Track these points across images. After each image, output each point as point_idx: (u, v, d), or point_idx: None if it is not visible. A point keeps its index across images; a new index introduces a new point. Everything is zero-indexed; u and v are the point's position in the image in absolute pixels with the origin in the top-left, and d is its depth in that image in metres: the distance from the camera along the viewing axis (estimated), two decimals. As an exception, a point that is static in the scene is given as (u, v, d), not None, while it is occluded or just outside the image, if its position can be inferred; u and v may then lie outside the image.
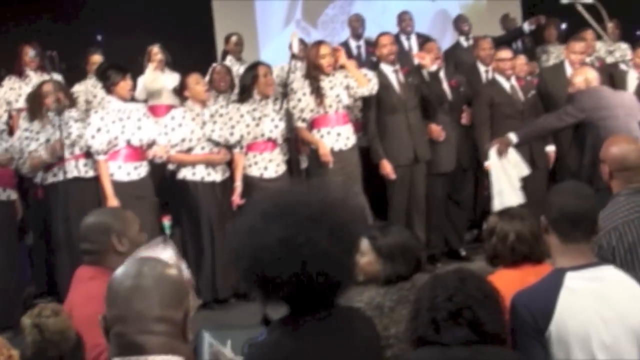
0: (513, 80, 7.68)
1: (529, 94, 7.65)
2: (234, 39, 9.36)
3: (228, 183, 7.05)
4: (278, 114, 7.13)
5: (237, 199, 6.93)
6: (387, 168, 7.35)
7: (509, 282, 3.20)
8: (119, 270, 2.05)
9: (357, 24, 9.89)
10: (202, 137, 6.90)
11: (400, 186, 7.44)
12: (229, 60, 9.07)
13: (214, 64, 8.49)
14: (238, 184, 6.97)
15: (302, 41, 8.33)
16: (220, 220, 6.84)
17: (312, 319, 2.35)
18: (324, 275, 2.27)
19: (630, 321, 2.79)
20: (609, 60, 8.38)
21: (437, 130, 7.60)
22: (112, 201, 6.56)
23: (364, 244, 3.49)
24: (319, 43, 7.45)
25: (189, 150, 6.91)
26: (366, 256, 3.50)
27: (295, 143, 7.47)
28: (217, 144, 6.95)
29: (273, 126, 7.06)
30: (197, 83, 7.02)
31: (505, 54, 7.75)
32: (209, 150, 6.95)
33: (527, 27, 9.36)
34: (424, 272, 3.50)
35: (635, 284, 2.87)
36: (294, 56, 7.52)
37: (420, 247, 3.69)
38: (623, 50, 8.46)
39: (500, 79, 7.66)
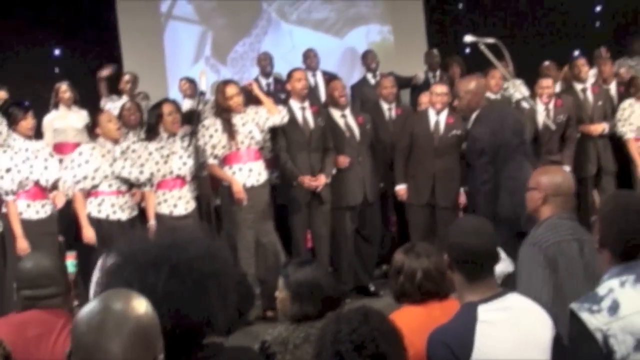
0: (442, 116, 7.73)
1: (450, 133, 7.67)
2: (126, 77, 9.35)
3: (136, 221, 6.96)
4: (186, 151, 7.09)
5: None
6: (306, 182, 7.40)
7: (414, 318, 3.25)
8: (84, 311, 1.96)
9: (265, 62, 9.99)
10: (111, 174, 6.82)
11: (301, 223, 7.51)
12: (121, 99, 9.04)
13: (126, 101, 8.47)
14: (152, 223, 6.90)
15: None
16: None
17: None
18: (175, 318, 2.19)
19: (541, 344, 2.93)
20: (517, 97, 8.62)
21: (343, 159, 7.65)
22: (22, 242, 6.50)
23: (280, 280, 3.52)
24: (226, 84, 7.43)
25: (94, 187, 6.81)
26: (280, 293, 3.53)
27: (210, 180, 7.45)
28: (126, 181, 6.87)
29: (182, 163, 7.00)
30: (109, 121, 6.93)
31: (440, 88, 7.86)
32: (116, 189, 6.87)
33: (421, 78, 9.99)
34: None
35: (537, 307, 3.03)
36: (202, 93, 7.50)
37: (334, 286, 3.65)
38: (517, 86, 8.74)
39: (431, 113, 7.76)
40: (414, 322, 3.07)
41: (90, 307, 1.96)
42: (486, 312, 2.94)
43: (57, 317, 3.38)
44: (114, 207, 6.83)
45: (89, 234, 6.63)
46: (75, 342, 1.94)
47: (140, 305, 1.98)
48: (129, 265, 2.20)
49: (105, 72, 9.57)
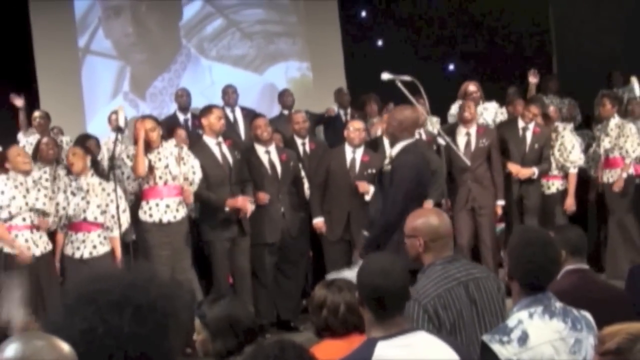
0: (358, 153, 7.84)
1: (365, 171, 7.78)
2: (37, 113, 9.26)
3: (48, 258, 6.88)
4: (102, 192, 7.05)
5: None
6: (239, 201, 7.42)
7: (336, 351, 3.27)
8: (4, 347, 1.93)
9: (183, 98, 10.03)
10: (25, 206, 6.74)
11: (223, 259, 7.51)
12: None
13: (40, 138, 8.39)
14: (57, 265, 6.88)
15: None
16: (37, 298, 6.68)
17: None
18: (134, 358, 2.16)
19: None
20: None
21: (262, 196, 7.68)
22: None
23: (197, 322, 3.49)
24: (143, 118, 7.45)
25: (11, 218, 6.72)
26: (200, 334, 3.49)
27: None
28: (42, 213, 6.80)
29: (90, 203, 6.98)
30: (17, 155, 6.91)
31: (357, 124, 7.96)
32: (30, 222, 6.79)
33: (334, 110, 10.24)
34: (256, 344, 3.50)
35: (445, 346, 3.05)
36: (120, 129, 7.47)
37: (251, 317, 3.64)
38: (434, 123, 8.89)
39: (347, 149, 7.86)
40: (335, 355, 3.09)
41: (10, 343, 1.93)
42: (384, 349, 2.98)
43: None
44: (29, 242, 6.77)
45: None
46: None
47: (64, 345, 1.96)
48: (91, 306, 2.15)
49: (18, 101, 9.47)
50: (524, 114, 8.75)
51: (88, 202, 6.94)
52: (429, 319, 3.54)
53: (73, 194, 6.94)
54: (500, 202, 8.46)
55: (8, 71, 11.27)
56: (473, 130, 8.43)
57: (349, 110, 10.48)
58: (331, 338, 3.55)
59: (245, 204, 7.44)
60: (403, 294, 3.11)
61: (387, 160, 6.27)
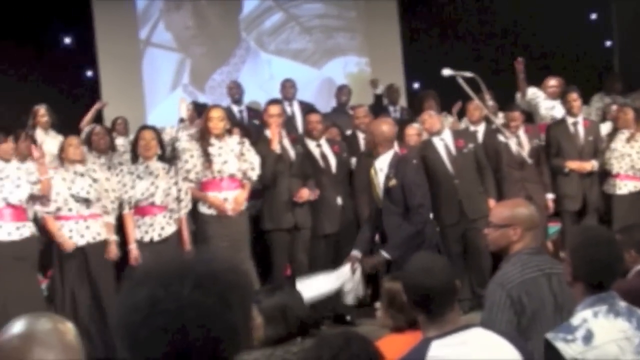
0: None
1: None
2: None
3: (97, 247, 6.97)
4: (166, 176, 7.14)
5: (134, 261, 6.90)
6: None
7: (398, 347, 3.27)
8: (7, 326, 2.00)
9: (234, 91, 10.14)
10: (70, 197, 6.85)
11: (281, 251, 7.54)
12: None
13: (94, 125, 8.52)
14: (133, 247, 6.94)
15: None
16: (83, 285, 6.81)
17: None
18: (196, 329, 2.15)
19: None
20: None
21: (304, 192, 7.68)
22: None
23: (254, 308, 3.53)
24: (212, 107, 7.56)
25: (58, 210, 6.85)
26: (255, 320, 3.54)
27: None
28: (85, 201, 6.88)
29: (159, 188, 7.05)
30: (69, 145, 7.03)
31: (412, 130, 8.04)
32: (75, 213, 6.89)
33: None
34: (310, 336, 3.54)
35: (504, 342, 3.02)
36: (182, 120, 7.54)
37: (305, 309, 3.69)
38: (497, 120, 8.83)
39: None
40: (398, 352, 3.10)
41: (14, 324, 2.00)
42: (438, 348, 2.96)
43: None
44: (72, 232, 6.86)
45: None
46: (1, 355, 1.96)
47: (70, 329, 2.03)
48: (153, 277, 2.18)
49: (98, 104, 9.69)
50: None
51: (157, 187, 7.03)
52: (512, 304, 3.61)
53: (140, 177, 7.02)
54: (550, 196, 8.43)
55: (71, 61, 11.49)
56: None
57: (398, 107, 10.48)
58: (394, 333, 3.57)
59: (307, 194, 7.50)
60: (450, 291, 3.10)
61: (382, 175, 6.27)
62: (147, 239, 7.01)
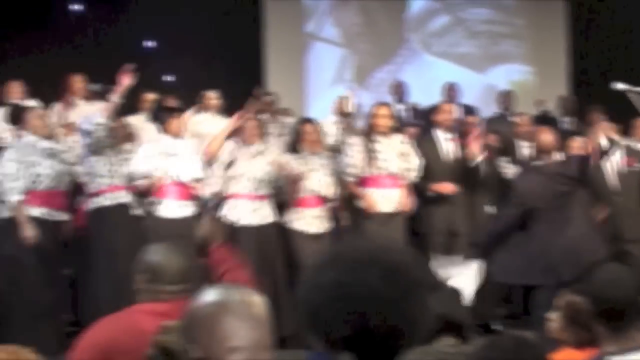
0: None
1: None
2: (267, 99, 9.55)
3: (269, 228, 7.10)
4: (326, 170, 7.22)
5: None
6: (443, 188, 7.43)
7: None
8: (202, 295, 2.08)
9: (399, 89, 10.17)
10: (246, 177, 6.99)
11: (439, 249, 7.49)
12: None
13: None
14: None
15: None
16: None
17: None
18: (378, 317, 2.18)
19: None
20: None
21: (448, 186, 7.54)
22: None
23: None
24: (380, 104, 7.59)
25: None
26: None
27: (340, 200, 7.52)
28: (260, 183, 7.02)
29: (318, 181, 7.15)
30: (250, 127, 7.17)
31: (577, 142, 7.83)
32: (251, 190, 7.02)
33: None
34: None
35: None
36: (346, 114, 7.61)
37: (462, 309, 3.64)
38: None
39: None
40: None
41: (208, 292, 2.07)
42: None
43: None
44: (243, 212, 6.97)
45: None
46: (194, 321, 2.03)
47: (258, 302, 2.08)
48: (340, 261, 2.23)
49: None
50: None
51: (319, 180, 7.13)
52: None
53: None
54: None
55: (238, 52, 11.78)
56: None
57: (567, 119, 10.22)
58: (571, 347, 3.46)
59: (451, 188, 7.42)
60: (637, 306, 3.01)
61: None
62: (311, 230, 7.11)
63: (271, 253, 6.95)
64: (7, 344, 2.51)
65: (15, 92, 8.56)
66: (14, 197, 6.59)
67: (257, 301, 2.09)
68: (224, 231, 3.91)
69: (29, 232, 6.58)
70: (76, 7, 12.05)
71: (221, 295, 2.06)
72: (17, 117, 7.24)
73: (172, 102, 8.36)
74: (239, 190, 7.01)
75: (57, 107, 8.47)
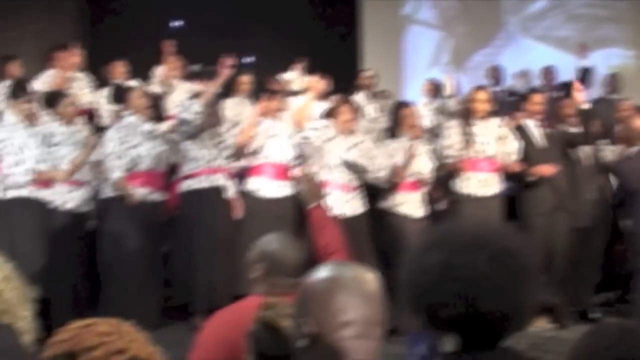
0: None
1: None
2: (369, 72, 9.56)
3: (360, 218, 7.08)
4: (427, 154, 7.23)
5: None
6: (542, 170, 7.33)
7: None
8: (314, 274, 2.13)
9: (495, 73, 10.08)
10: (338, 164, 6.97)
11: (537, 236, 7.39)
12: (361, 96, 9.27)
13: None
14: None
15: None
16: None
17: (484, 356, 2.26)
18: (486, 300, 2.19)
19: None
20: None
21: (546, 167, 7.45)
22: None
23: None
24: (478, 88, 7.56)
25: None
26: None
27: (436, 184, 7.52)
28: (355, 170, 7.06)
29: (423, 165, 7.16)
30: (343, 113, 7.09)
31: None
32: (345, 181, 7.00)
33: None
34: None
35: None
36: (449, 96, 7.61)
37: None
38: None
39: None
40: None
41: (322, 269, 2.12)
42: None
43: None
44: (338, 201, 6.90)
45: None
46: (308, 296, 2.08)
47: (369, 274, 2.12)
48: (447, 243, 2.24)
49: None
50: None
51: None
52: None
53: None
54: None
55: (335, 35, 11.85)
56: None
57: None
58: None
59: (550, 169, 7.34)
60: None
61: None
62: (415, 214, 7.11)
63: (361, 244, 6.83)
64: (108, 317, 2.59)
65: (119, 71, 8.78)
66: (117, 174, 6.79)
67: (370, 278, 2.13)
68: (321, 192, 3.92)
69: (134, 201, 6.79)
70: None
71: (335, 271, 2.11)
72: (120, 96, 7.45)
73: (273, 85, 8.44)
74: (334, 179, 6.95)
75: (159, 71, 8.63)
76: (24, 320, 2.86)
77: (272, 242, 3.36)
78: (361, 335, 2.03)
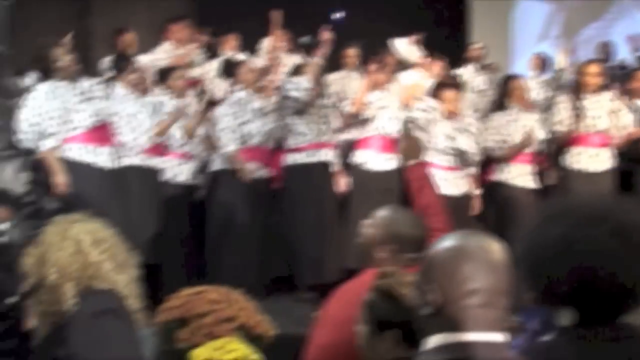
0: None
1: None
2: (478, 45, 9.43)
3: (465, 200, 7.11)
4: (537, 125, 7.15)
5: None
6: None
7: None
8: (440, 242, 2.12)
9: (605, 49, 9.89)
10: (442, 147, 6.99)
11: None
12: (470, 68, 9.17)
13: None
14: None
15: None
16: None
17: (601, 331, 2.22)
18: (607, 274, 2.14)
19: None
20: None
21: None
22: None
23: None
24: (588, 61, 7.44)
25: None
26: None
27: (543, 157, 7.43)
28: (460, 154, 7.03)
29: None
30: (447, 99, 7.04)
31: None
32: (451, 163, 7.01)
33: None
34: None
35: None
36: (560, 70, 7.49)
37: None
38: None
39: None
40: None
41: (447, 238, 2.10)
42: None
43: None
44: (447, 182, 6.87)
45: None
46: (433, 265, 2.07)
47: (495, 244, 2.08)
48: (569, 216, 2.22)
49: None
50: None
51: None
52: None
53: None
54: None
55: (443, 8, 11.73)
56: None
57: None
58: None
59: None
60: None
61: None
62: (529, 186, 7.10)
63: (467, 223, 6.79)
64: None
65: (230, 45, 8.83)
66: (231, 148, 6.90)
67: (496, 247, 2.12)
68: (420, 149, 3.91)
69: (247, 177, 6.90)
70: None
71: (460, 241, 2.10)
72: (229, 70, 7.53)
73: (384, 57, 8.35)
74: (438, 162, 6.92)
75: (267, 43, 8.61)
76: (123, 284, 2.90)
77: (396, 221, 3.31)
78: (486, 304, 2.01)
